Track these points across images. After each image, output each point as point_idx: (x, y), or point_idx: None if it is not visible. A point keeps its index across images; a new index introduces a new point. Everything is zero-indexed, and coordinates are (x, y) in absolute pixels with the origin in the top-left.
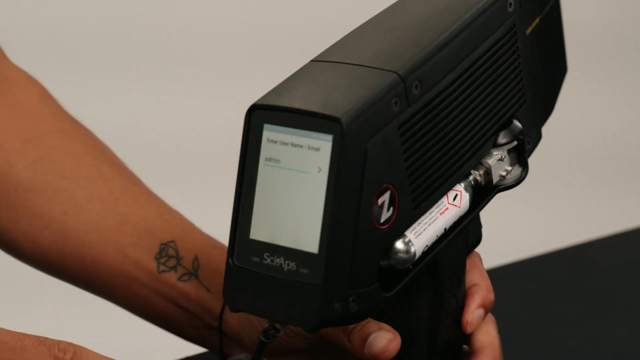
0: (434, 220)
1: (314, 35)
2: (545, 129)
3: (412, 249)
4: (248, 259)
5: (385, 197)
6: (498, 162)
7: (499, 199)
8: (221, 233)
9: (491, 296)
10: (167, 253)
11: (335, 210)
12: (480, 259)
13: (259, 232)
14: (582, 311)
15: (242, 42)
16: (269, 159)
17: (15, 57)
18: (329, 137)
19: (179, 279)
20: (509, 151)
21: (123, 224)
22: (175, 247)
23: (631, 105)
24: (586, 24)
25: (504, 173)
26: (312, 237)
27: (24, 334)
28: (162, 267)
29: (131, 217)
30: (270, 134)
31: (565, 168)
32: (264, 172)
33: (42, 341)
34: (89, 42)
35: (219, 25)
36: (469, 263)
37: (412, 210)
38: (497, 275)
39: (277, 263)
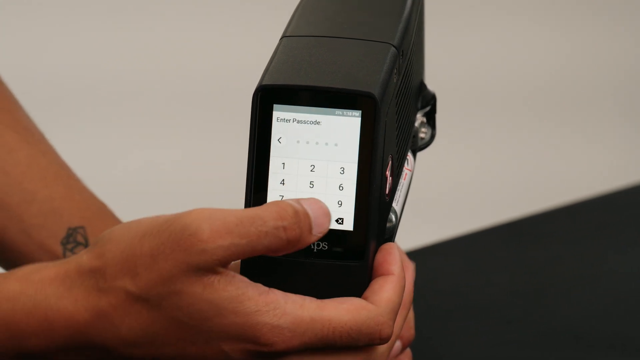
0: (401, 187)
1: None
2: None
3: (396, 217)
4: None
5: (389, 167)
6: (420, 125)
7: (442, 170)
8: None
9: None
10: (75, 239)
11: (370, 186)
12: None
13: None
14: (526, 285)
15: None
16: (282, 139)
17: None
18: (357, 113)
19: None
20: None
21: (28, 203)
22: (85, 234)
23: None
24: None
25: (422, 135)
26: (345, 214)
27: None
28: (68, 254)
29: (38, 195)
30: (282, 113)
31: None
32: (278, 152)
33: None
34: None
35: None
36: None
37: (395, 178)
38: (439, 250)
39: None
